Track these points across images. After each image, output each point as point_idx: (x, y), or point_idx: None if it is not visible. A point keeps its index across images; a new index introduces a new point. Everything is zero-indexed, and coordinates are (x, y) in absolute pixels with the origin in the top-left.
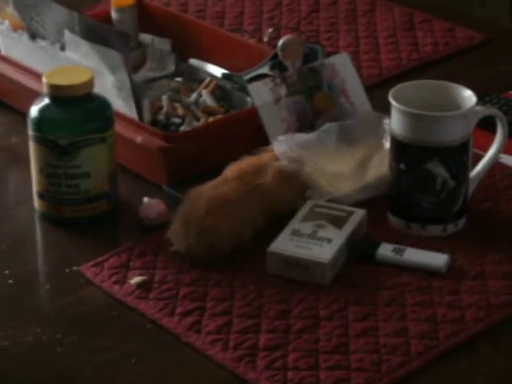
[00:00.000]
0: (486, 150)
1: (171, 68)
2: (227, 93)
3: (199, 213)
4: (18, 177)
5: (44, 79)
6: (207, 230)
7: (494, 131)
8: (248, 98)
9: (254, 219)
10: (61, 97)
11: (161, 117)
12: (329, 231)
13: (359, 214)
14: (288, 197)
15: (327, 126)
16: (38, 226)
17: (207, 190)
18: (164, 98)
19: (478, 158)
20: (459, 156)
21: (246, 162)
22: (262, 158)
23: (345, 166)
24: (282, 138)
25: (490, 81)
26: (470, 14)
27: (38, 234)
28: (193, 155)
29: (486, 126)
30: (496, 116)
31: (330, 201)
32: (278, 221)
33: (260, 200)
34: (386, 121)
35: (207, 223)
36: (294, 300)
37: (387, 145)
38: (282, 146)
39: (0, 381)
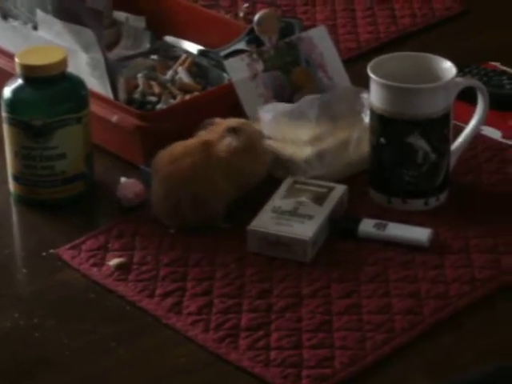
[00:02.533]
0: (466, 122)
1: (146, 46)
2: (203, 69)
3: (160, 191)
4: None
5: (16, 59)
6: (170, 208)
7: (474, 103)
8: (225, 75)
9: (218, 190)
10: (34, 77)
11: (136, 95)
12: (310, 208)
13: (340, 189)
14: (247, 165)
15: (308, 98)
16: (13, 209)
17: (163, 165)
18: (140, 76)
19: (459, 131)
20: (440, 128)
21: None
22: (215, 131)
23: (325, 142)
24: (269, 106)
25: (470, 52)
26: None
27: (14, 218)
28: (169, 134)
29: (467, 97)
30: (476, 87)
31: (311, 177)
32: (255, 197)
33: (218, 170)
34: (364, 95)
35: (168, 203)
36: (276, 278)
37: (366, 119)
38: (268, 115)
39: None
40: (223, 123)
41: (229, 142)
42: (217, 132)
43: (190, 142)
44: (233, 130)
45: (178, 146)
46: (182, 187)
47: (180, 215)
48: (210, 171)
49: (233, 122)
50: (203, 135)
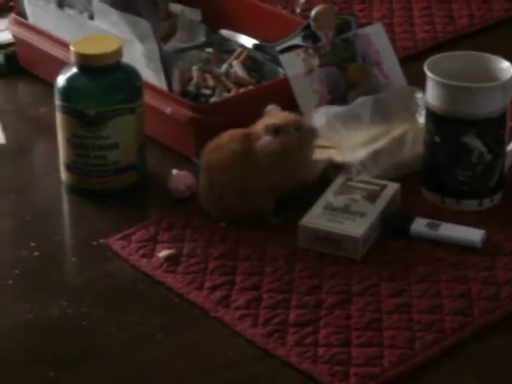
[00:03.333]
0: None
1: (201, 38)
2: (258, 64)
3: (204, 183)
4: (45, 148)
5: (71, 48)
6: (215, 199)
7: None
8: (280, 69)
9: (263, 181)
10: (89, 66)
11: (191, 88)
12: (362, 205)
13: (393, 187)
14: (284, 168)
15: (362, 99)
16: (64, 197)
17: (208, 154)
18: (194, 68)
19: None
20: (496, 129)
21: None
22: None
23: (379, 142)
24: (322, 109)
25: None
26: None
27: (65, 206)
28: (223, 127)
29: None
30: None
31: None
32: (308, 193)
33: (258, 164)
34: (419, 95)
35: (212, 193)
36: (326, 275)
37: (421, 120)
38: (322, 118)
39: (25, 354)
40: (274, 116)
41: (265, 142)
42: (263, 124)
43: (237, 131)
44: (273, 131)
45: (225, 135)
46: (223, 175)
47: (225, 206)
48: (250, 162)
49: (281, 119)
50: (258, 124)
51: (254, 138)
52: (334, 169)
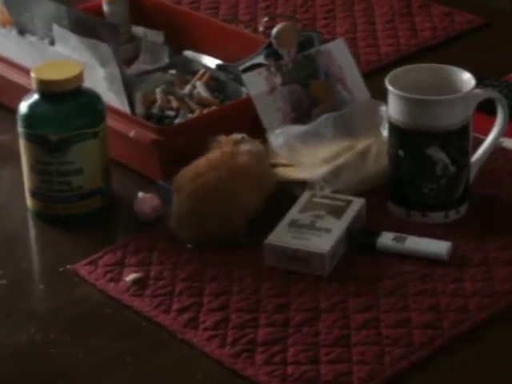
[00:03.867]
0: (486, 134)
1: (165, 60)
2: (222, 84)
3: (184, 208)
4: (9, 175)
5: (33, 74)
6: (194, 226)
7: (494, 115)
8: (243, 89)
9: (242, 203)
10: (50, 92)
11: (155, 110)
12: (328, 221)
13: (358, 203)
14: (265, 170)
15: (324, 117)
16: (30, 224)
17: (188, 182)
18: (158, 90)
19: (479, 143)
20: (459, 140)
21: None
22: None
23: (342, 157)
24: (278, 130)
25: (490, 64)
26: None
27: (31, 233)
28: (187, 148)
29: (486, 109)
30: (496, 98)
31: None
32: (273, 212)
33: (242, 182)
34: (383, 108)
35: (191, 220)
36: (293, 293)
37: (385, 133)
38: (279, 139)
39: None
40: (229, 139)
41: (247, 147)
42: (227, 146)
43: (213, 156)
44: (243, 139)
45: (201, 162)
46: (207, 202)
47: (203, 232)
48: (235, 183)
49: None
50: (213, 152)
51: (234, 155)
52: (298, 186)
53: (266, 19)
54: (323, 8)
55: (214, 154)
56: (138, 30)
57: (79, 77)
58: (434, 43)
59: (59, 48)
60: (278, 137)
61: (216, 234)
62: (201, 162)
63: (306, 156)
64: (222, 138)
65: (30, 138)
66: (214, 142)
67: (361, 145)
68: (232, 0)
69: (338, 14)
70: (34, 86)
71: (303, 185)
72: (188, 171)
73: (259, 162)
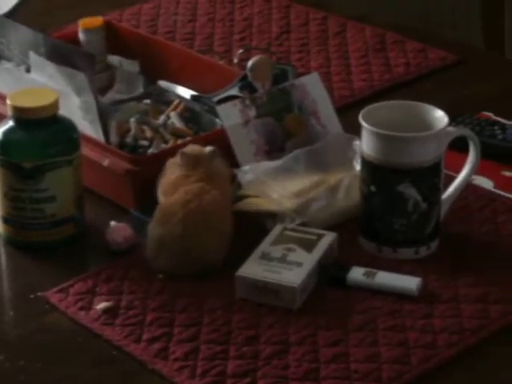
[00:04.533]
0: (457, 171)
1: (140, 90)
2: (196, 115)
3: (175, 234)
4: None
5: (8, 101)
6: (177, 254)
7: (464, 152)
8: (217, 120)
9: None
10: (25, 119)
11: (129, 139)
12: (299, 255)
13: (330, 237)
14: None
15: (296, 152)
16: (2, 250)
17: (177, 208)
18: (132, 120)
19: (450, 180)
20: (431, 177)
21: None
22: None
23: (314, 191)
24: (246, 167)
25: (463, 101)
26: (441, 35)
27: (2, 259)
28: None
29: (458, 147)
30: (468, 136)
31: (300, 225)
32: (244, 244)
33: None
34: (356, 142)
35: (185, 245)
36: (264, 325)
37: (358, 167)
38: (248, 176)
39: None
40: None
41: (208, 150)
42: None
43: (190, 187)
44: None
45: (181, 193)
46: (200, 229)
47: (186, 261)
48: (205, 218)
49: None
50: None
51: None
52: (269, 217)
53: (240, 51)
54: (297, 42)
55: (177, 196)
56: (114, 59)
57: (55, 104)
58: (408, 79)
59: (35, 75)
60: (247, 173)
61: (198, 264)
62: (181, 193)
63: (276, 190)
64: (191, 151)
65: (4, 165)
66: (183, 156)
67: (332, 179)
68: (207, 31)
69: (312, 48)
70: (9, 112)
71: (274, 217)
72: (173, 199)
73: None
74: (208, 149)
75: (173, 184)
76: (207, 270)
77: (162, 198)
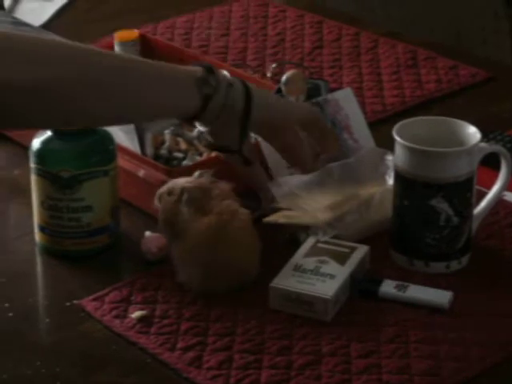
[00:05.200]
0: (488, 187)
1: None
2: None
3: (202, 251)
4: (18, 210)
5: None
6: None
7: (496, 169)
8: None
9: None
10: (63, 130)
11: (163, 151)
12: (332, 267)
13: (362, 250)
14: None
15: (328, 166)
16: (38, 259)
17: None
18: (166, 132)
19: (482, 195)
20: (463, 192)
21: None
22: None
23: (347, 204)
24: (280, 180)
25: (494, 118)
26: (472, 52)
27: (39, 267)
28: None
29: (489, 163)
30: (500, 153)
31: (333, 238)
32: (278, 255)
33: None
34: (389, 157)
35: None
36: (296, 336)
37: (390, 181)
38: (282, 189)
39: None
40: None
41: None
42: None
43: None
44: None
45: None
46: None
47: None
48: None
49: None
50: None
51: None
52: (301, 230)
53: (274, 65)
54: (330, 57)
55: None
56: None
57: None
58: (439, 95)
59: None
60: (281, 186)
61: (231, 281)
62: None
63: (309, 203)
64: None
65: (42, 174)
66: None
67: (365, 193)
68: (240, 45)
69: (344, 64)
70: None
71: (307, 229)
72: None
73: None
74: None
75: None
76: (241, 286)
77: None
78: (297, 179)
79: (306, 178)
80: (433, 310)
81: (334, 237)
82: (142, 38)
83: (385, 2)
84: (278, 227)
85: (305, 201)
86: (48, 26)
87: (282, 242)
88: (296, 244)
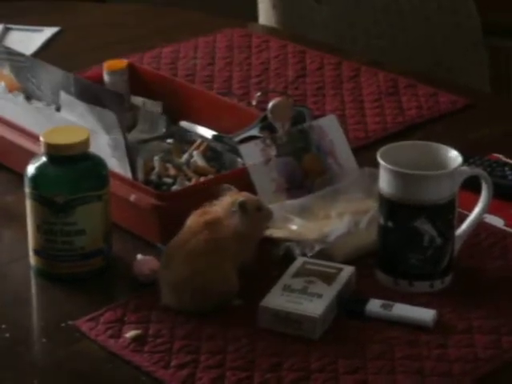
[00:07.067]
0: (470, 209)
1: (162, 130)
2: (218, 154)
3: (184, 273)
4: (12, 235)
5: (42, 138)
6: (197, 289)
7: (477, 192)
8: (238, 159)
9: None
10: (58, 156)
11: (153, 177)
12: (319, 287)
13: (348, 270)
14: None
15: (318, 194)
16: (33, 281)
17: (180, 246)
18: (156, 158)
19: (464, 218)
20: (446, 214)
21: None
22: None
23: (336, 221)
24: (270, 206)
25: (473, 144)
26: (451, 80)
27: (34, 290)
28: (185, 213)
29: (470, 186)
30: (481, 176)
31: (320, 256)
32: (267, 275)
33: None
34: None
35: (196, 282)
36: (286, 353)
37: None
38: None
39: None
40: (236, 195)
41: (236, 223)
42: (225, 206)
43: (196, 222)
44: (240, 207)
45: (186, 232)
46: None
47: (203, 295)
48: (219, 249)
49: (244, 197)
50: (218, 204)
51: (217, 224)
52: (294, 246)
53: (259, 94)
54: (313, 85)
55: (197, 220)
56: (137, 100)
57: (86, 142)
58: (420, 122)
59: (65, 114)
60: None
61: (215, 297)
62: (185, 231)
63: (298, 223)
64: (232, 192)
65: (38, 199)
66: (225, 190)
67: (354, 215)
68: (226, 74)
69: (327, 92)
70: (42, 149)
71: (296, 245)
72: (180, 235)
73: (255, 226)
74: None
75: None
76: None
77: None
78: (287, 204)
79: (297, 202)
80: (417, 327)
81: (322, 257)
82: (131, 68)
83: (366, 32)
84: (272, 243)
85: (294, 222)
86: (37, 56)
87: (276, 258)
88: (290, 260)
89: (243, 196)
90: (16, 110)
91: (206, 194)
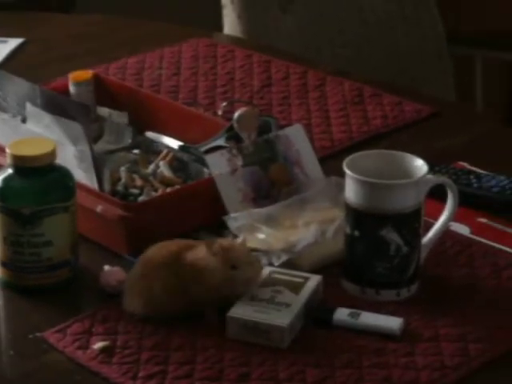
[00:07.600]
0: (436, 218)
1: (128, 141)
2: (184, 164)
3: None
4: None
5: (8, 150)
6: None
7: (442, 200)
8: (205, 169)
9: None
10: (24, 167)
11: (119, 188)
12: (286, 296)
13: (315, 279)
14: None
15: (284, 203)
16: (0, 293)
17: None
18: (122, 169)
19: (429, 226)
20: (412, 223)
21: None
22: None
23: (302, 230)
24: (236, 214)
25: (438, 152)
26: (416, 89)
27: (1, 302)
28: (151, 224)
29: (436, 195)
30: (446, 184)
31: (287, 265)
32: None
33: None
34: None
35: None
36: (254, 363)
37: None
38: (237, 222)
39: None
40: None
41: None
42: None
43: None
44: (230, 267)
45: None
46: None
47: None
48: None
49: (237, 252)
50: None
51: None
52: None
53: (224, 104)
54: (279, 95)
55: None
56: (103, 111)
57: (52, 153)
58: (385, 131)
59: (31, 126)
60: (237, 220)
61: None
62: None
63: (265, 232)
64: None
65: (4, 211)
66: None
67: (320, 224)
68: (191, 84)
69: (292, 101)
70: (8, 161)
71: (262, 254)
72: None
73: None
74: None
75: None
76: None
77: None
78: (253, 212)
79: (263, 210)
80: (384, 336)
81: (289, 266)
82: (96, 78)
83: (331, 42)
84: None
85: (261, 230)
86: (1, 67)
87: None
88: None
89: (236, 250)
90: None
91: (172, 203)
